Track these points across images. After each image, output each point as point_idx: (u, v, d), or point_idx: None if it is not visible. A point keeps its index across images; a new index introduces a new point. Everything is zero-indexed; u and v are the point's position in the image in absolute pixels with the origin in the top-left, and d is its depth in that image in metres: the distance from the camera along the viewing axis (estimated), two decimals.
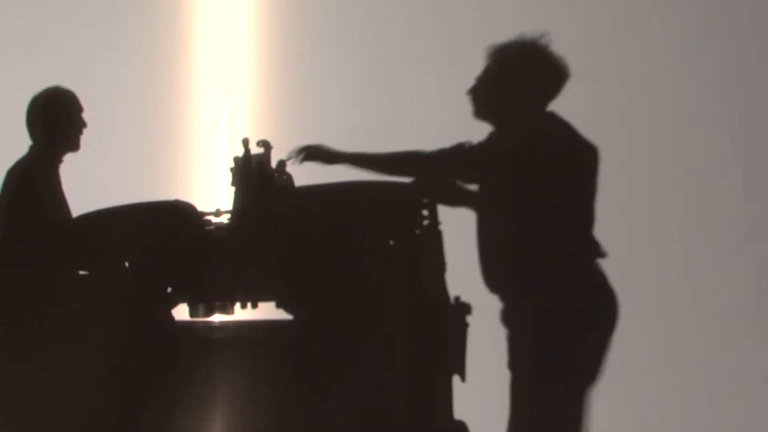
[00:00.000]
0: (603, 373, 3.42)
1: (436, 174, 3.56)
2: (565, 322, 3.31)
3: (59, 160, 4.11)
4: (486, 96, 3.46)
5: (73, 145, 4.10)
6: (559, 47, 3.46)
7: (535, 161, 3.31)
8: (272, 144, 3.79)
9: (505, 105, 3.42)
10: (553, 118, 3.44)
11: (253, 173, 3.75)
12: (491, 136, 3.45)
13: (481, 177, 3.45)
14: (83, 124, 4.11)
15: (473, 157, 3.43)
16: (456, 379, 3.67)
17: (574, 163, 3.36)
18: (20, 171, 4.04)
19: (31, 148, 4.10)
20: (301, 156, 3.71)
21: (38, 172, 4.03)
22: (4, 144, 4.40)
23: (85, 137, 4.11)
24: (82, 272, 3.87)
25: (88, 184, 4.17)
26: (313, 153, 3.70)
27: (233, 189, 3.79)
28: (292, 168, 3.81)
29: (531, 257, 3.34)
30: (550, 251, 3.33)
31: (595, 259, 3.41)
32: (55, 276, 3.89)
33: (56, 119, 4.07)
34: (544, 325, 3.32)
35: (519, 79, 3.38)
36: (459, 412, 3.69)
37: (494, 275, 3.45)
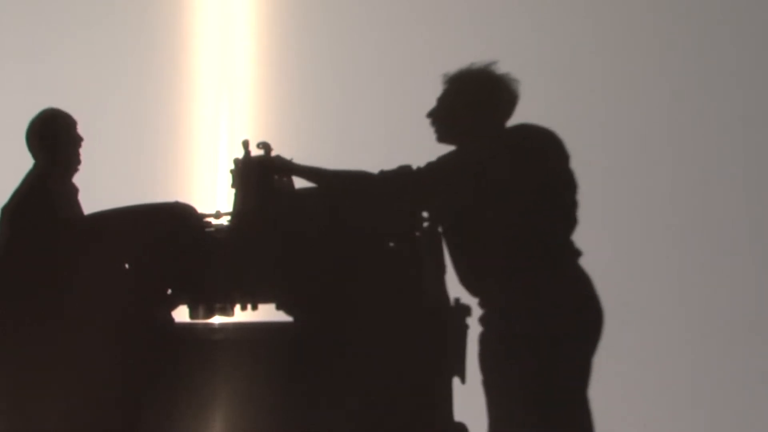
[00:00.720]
0: (585, 378, 3.46)
1: (382, 194, 3.62)
2: (543, 327, 3.37)
3: (69, 177, 4.13)
4: (444, 121, 3.61)
5: (74, 161, 4.13)
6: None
7: (490, 173, 3.43)
8: (272, 146, 3.79)
9: (462, 128, 3.57)
10: (512, 130, 3.56)
11: (253, 175, 3.75)
12: (442, 157, 3.55)
13: (434, 195, 3.54)
14: (80, 139, 4.14)
15: (426, 176, 3.52)
16: (456, 381, 3.67)
17: (533, 170, 3.45)
18: (35, 177, 4.06)
19: (36, 166, 4.13)
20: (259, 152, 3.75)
21: (53, 180, 4.06)
22: (4, 142, 4.40)
23: (86, 139, 4.12)
24: (82, 273, 3.88)
25: (89, 185, 4.16)
26: (267, 165, 3.74)
27: (233, 191, 3.79)
28: None
29: (506, 264, 3.42)
30: (523, 257, 3.40)
31: (573, 263, 3.46)
32: (60, 277, 3.89)
33: (55, 138, 4.10)
34: (522, 331, 3.38)
35: (473, 102, 3.57)
36: (459, 414, 3.69)
37: (472, 283, 3.52)
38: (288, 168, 3.73)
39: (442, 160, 3.52)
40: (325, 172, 3.68)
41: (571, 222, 3.48)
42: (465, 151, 3.53)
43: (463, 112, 3.57)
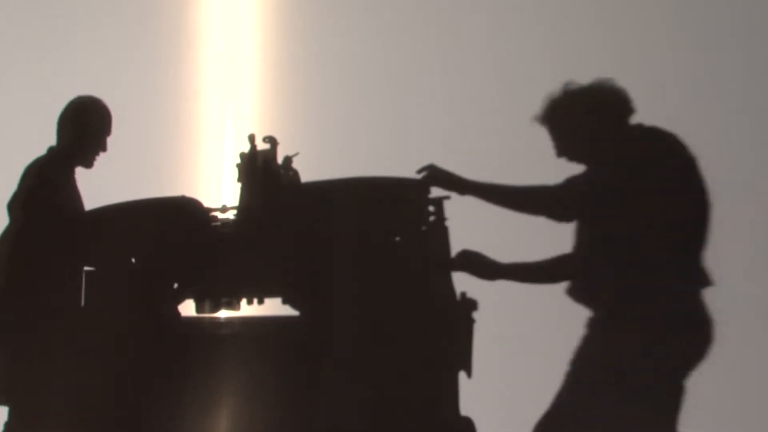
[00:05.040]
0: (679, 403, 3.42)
1: (560, 208, 3.52)
2: (654, 342, 3.32)
3: (73, 168, 4.13)
4: (576, 148, 3.55)
5: (86, 161, 4.13)
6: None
7: (652, 182, 3.39)
8: (278, 140, 3.79)
9: (594, 144, 3.51)
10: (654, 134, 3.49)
11: (259, 169, 3.75)
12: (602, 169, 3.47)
13: (606, 208, 3.43)
14: (104, 147, 4.13)
15: (601, 191, 3.42)
16: (462, 375, 3.67)
17: (684, 179, 3.43)
18: (39, 168, 4.07)
19: (50, 150, 4.13)
20: (423, 174, 3.66)
21: (57, 171, 4.06)
22: (5, 143, 4.40)
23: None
24: (89, 268, 3.88)
25: (95, 180, 4.17)
26: (435, 176, 3.65)
27: (239, 185, 3.79)
28: (298, 164, 3.82)
29: (636, 275, 3.36)
30: (656, 270, 3.35)
31: (700, 286, 3.41)
32: (68, 271, 3.91)
33: (86, 129, 4.10)
34: (633, 339, 3.33)
35: (586, 119, 3.50)
36: (465, 408, 3.69)
37: (591, 287, 3.45)
38: (461, 185, 3.63)
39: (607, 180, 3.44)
40: (506, 188, 3.59)
41: (702, 239, 3.44)
42: (619, 170, 3.44)
43: (587, 130, 3.52)
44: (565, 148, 3.56)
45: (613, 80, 3.53)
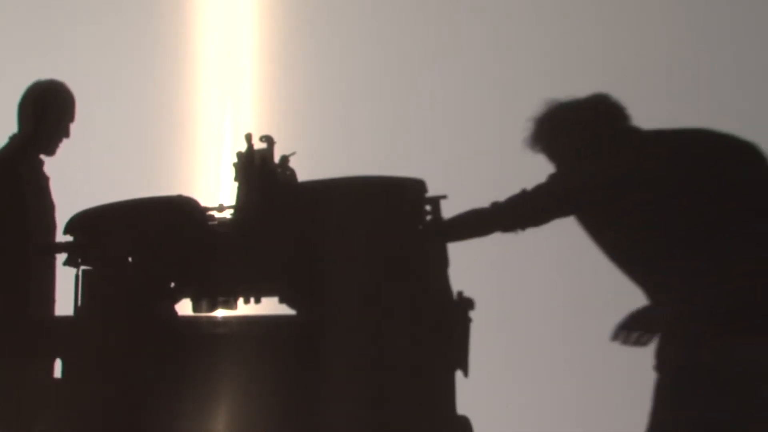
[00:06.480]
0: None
1: (516, 222, 3.48)
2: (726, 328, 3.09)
3: (36, 155, 4.09)
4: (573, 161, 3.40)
5: (48, 148, 4.09)
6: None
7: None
8: (275, 139, 3.79)
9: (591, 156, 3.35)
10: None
11: (256, 168, 3.75)
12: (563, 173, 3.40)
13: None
14: (65, 133, 4.09)
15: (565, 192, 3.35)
16: (459, 374, 3.67)
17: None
18: (4, 154, 4.04)
19: (11, 138, 4.09)
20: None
21: (21, 162, 4.03)
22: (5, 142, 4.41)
23: (90, 132, 4.10)
24: (85, 267, 3.88)
25: (92, 178, 4.17)
26: None
27: (236, 184, 3.79)
28: (295, 163, 3.83)
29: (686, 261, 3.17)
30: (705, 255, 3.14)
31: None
32: (34, 267, 3.91)
33: (46, 114, 4.06)
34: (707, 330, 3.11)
35: (584, 125, 3.38)
36: (462, 408, 3.70)
37: (653, 280, 3.27)
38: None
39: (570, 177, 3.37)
40: (450, 224, 3.62)
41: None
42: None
43: (579, 142, 3.37)
44: (561, 167, 3.44)
45: (599, 92, 3.40)
